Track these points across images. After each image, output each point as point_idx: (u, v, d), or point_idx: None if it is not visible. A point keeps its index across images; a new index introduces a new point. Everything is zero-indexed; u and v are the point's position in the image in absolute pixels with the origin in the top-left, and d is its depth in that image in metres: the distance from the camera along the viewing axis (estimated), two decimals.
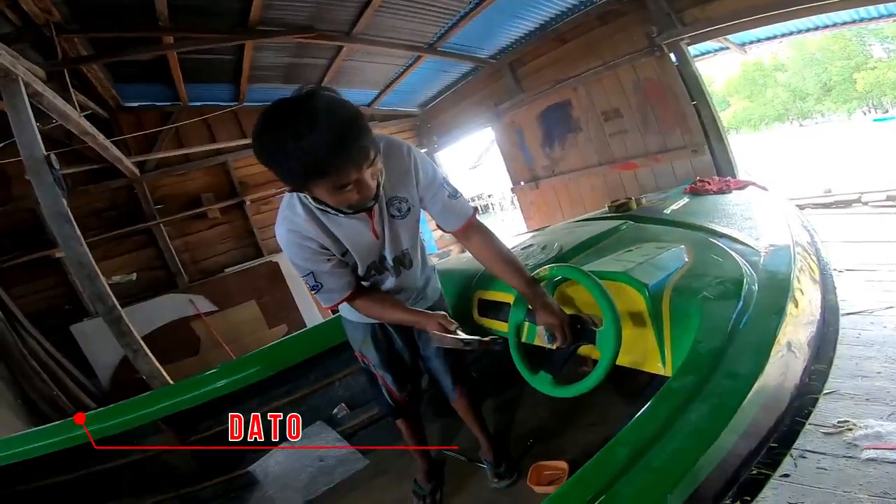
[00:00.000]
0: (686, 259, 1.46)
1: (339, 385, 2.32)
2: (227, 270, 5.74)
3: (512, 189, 6.55)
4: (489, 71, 5.64)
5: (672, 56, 4.18)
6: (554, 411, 1.98)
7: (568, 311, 1.28)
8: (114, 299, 2.50)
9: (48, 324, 4.70)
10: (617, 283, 1.31)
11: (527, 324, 1.44)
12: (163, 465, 1.96)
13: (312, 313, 5.59)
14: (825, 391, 1.05)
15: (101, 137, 3.94)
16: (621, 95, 4.76)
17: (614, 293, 1.27)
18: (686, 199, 2.56)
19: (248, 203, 6.01)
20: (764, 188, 2.66)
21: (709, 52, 5.46)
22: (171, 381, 2.49)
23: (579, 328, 1.26)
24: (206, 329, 5.14)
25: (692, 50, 4.32)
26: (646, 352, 1.21)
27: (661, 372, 1.16)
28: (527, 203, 6.43)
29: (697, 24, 3.92)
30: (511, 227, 8.98)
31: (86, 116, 3.68)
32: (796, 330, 1.10)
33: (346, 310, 1.59)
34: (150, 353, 2.49)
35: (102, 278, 2.52)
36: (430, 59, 5.08)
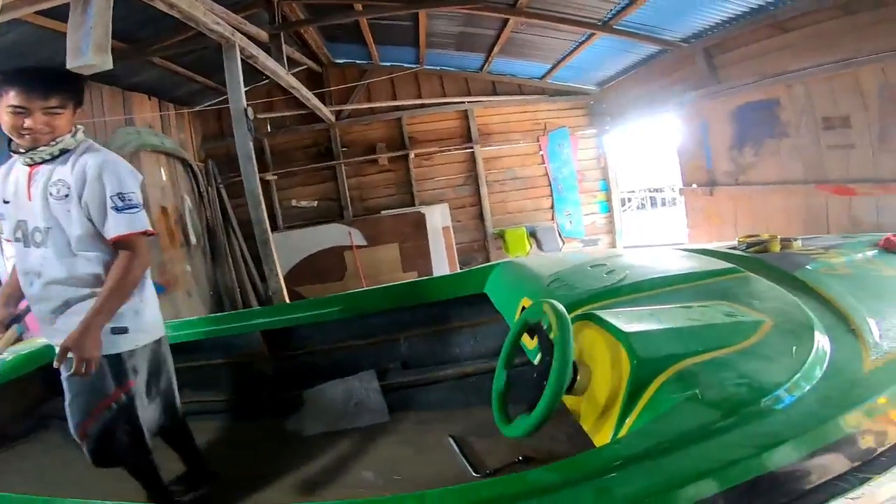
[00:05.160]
0: (749, 340, 1.15)
1: (403, 343, 2.49)
2: (383, 212, 6.57)
3: (680, 191, 5.75)
4: (678, 55, 4.87)
5: None
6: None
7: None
8: (267, 225, 3.20)
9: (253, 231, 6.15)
10: (617, 341, 1.18)
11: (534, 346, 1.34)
12: (249, 372, 2.41)
13: (443, 266, 6.06)
14: None
15: (304, 90, 4.82)
16: (856, 101, 3.64)
17: (612, 352, 1.15)
18: (869, 254, 1.81)
19: (412, 156, 6.66)
20: None
21: None
22: (288, 301, 3.11)
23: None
24: (353, 260, 6.03)
25: None
26: (605, 418, 1.09)
27: None
28: (695, 209, 5.59)
29: None
30: (673, 232, 7.84)
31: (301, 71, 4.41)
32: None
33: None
34: (280, 274, 3.15)
35: (263, 207, 3.23)
36: (605, 37, 4.65)
